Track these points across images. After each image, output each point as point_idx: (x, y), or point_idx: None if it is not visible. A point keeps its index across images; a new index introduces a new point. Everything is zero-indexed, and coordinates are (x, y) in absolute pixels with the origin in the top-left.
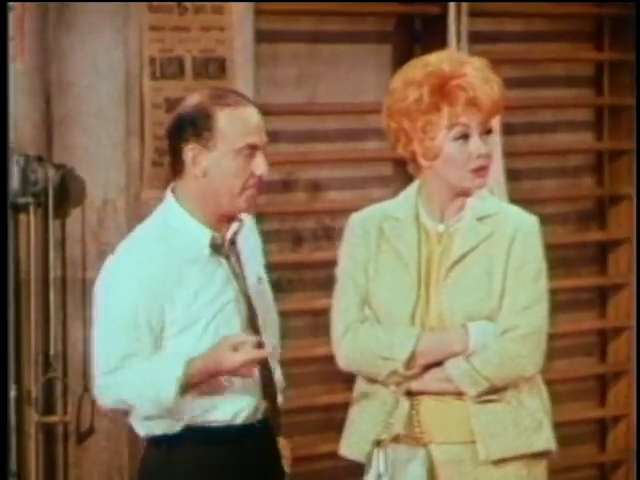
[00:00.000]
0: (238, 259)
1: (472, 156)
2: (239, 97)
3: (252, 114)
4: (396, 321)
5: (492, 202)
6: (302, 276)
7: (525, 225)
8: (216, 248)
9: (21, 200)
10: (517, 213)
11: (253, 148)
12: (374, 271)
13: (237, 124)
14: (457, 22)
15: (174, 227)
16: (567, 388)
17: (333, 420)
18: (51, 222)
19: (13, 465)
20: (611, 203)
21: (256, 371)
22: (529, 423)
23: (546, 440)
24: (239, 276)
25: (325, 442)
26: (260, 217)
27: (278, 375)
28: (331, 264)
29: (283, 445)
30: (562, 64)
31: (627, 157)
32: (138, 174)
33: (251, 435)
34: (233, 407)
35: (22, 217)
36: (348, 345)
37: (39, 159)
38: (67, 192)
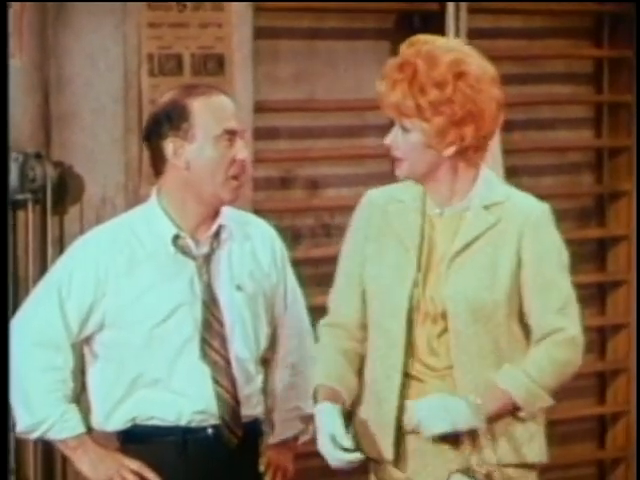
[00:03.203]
0: (209, 263)
1: (388, 145)
2: (209, 88)
3: (226, 102)
4: (392, 305)
5: (501, 189)
6: (300, 273)
7: (533, 216)
8: (182, 248)
9: (19, 197)
10: (526, 202)
11: (232, 134)
12: (376, 253)
13: (212, 111)
14: (456, 19)
15: (145, 221)
16: (566, 385)
17: None
18: (49, 219)
19: (12, 462)
20: (610, 200)
21: (205, 373)
22: (521, 434)
23: (538, 452)
24: (207, 281)
25: None
26: (258, 214)
27: (254, 386)
28: (329, 261)
29: (264, 463)
30: (561, 61)
31: (626, 154)
32: (137, 171)
33: (201, 440)
34: (175, 407)
35: (20, 214)
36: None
37: (37, 156)
38: (65, 189)
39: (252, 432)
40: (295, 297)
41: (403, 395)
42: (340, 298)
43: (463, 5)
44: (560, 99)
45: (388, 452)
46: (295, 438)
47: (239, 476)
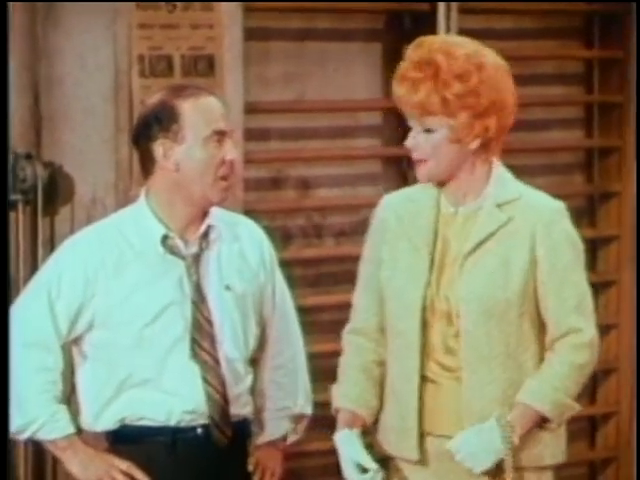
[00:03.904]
0: (198, 263)
1: (409, 147)
2: (198, 89)
3: (214, 103)
4: (406, 305)
5: (514, 187)
6: (291, 274)
7: (546, 214)
8: (171, 248)
9: (10, 198)
10: (539, 200)
11: (221, 134)
12: (391, 255)
13: (202, 113)
14: (447, 19)
15: (133, 221)
16: None
17: (323, 418)
18: (40, 220)
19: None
20: (601, 200)
21: (195, 373)
22: (543, 438)
23: (550, 455)
24: (196, 281)
25: (316, 440)
26: (249, 215)
27: (243, 386)
28: (320, 261)
29: (253, 463)
30: (552, 61)
31: (617, 154)
32: (127, 171)
33: (191, 439)
34: (165, 407)
35: (11, 215)
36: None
37: (28, 156)
38: (56, 189)
39: (241, 432)
40: (284, 298)
41: (420, 397)
42: (360, 303)
43: (454, 5)
44: (550, 100)
45: (413, 453)
46: (284, 438)
47: (228, 476)
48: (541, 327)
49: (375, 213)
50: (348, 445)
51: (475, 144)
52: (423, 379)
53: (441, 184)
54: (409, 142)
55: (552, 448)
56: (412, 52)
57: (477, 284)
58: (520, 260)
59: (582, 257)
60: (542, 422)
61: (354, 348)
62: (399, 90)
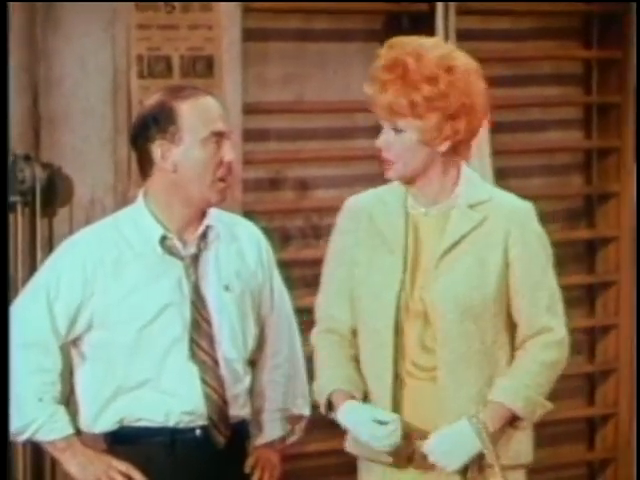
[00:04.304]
0: (197, 264)
1: (380, 146)
2: (196, 89)
3: (212, 103)
4: (380, 306)
5: (484, 189)
6: (289, 274)
7: (518, 214)
8: (170, 248)
9: (9, 199)
10: (510, 201)
11: (219, 136)
12: (365, 257)
13: (200, 114)
14: (445, 20)
15: (132, 222)
16: (555, 386)
17: (321, 419)
18: (38, 221)
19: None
20: (599, 201)
21: (194, 373)
22: (514, 436)
23: (525, 454)
24: (194, 282)
25: (314, 441)
26: (248, 215)
27: (242, 386)
28: (319, 262)
29: (252, 464)
30: (550, 62)
31: (615, 155)
32: (126, 172)
33: (189, 440)
34: (163, 408)
35: (10, 216)
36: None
37: (26, 158)
38: (54, 191)
39: (240, 433)
40: (282, 298)
41: (396, 397)
42: (332, 304)
43: (452, 6)
44: (549, 100)
45: (388, 455)
46: (282, 439)
47: (227, 477)
48: (513, 326)
49: (342, 215)
50: (357, 410)
51: (445, 146)
52: (398, 379)
53: (409, 184)
54: (380, 141)
55: (525, 447)
56: (384, 53)
57: (454, 284)
58: (495, 260)
59: (551, 258)
60: (513, 420)
61: (331, 344)
62: (369, 90)
